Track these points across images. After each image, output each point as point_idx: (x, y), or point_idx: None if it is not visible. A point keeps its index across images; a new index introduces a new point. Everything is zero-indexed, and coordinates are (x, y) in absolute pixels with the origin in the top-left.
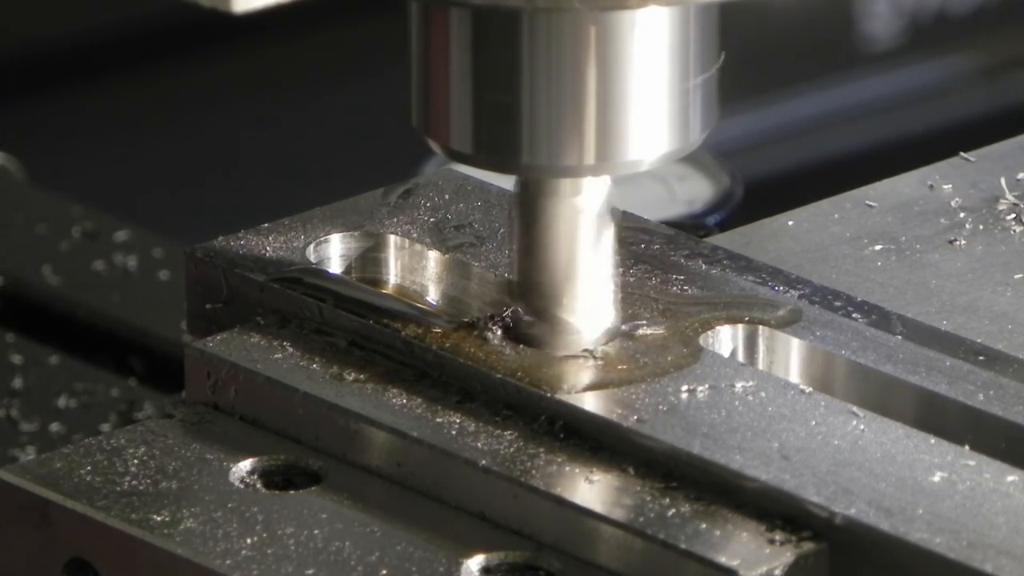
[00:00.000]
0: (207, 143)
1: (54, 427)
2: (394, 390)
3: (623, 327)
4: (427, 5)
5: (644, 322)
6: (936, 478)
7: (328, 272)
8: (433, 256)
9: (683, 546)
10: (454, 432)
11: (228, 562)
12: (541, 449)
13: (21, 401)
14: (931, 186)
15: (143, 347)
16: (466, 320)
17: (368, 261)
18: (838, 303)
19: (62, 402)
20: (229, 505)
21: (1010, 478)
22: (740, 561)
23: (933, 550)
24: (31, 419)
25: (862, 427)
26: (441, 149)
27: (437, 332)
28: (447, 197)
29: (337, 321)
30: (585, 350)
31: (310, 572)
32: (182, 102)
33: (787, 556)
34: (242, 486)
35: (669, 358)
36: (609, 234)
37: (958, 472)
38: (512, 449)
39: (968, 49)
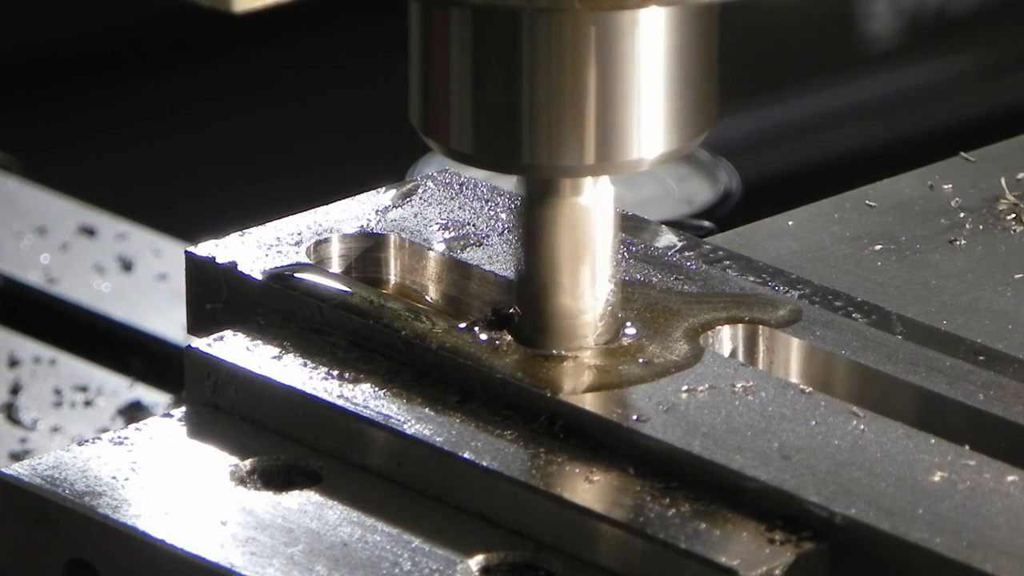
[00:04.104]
0: (208, 142)
1: (54, 427)
2: (394, 390)
3: (623, 327)
4: (427, 5)
5: (644, 322)
6: (936, 478)
7: (327, 271)
8: (433, 256)
9: (683, 546)
10: (454, 432)
11: (228, 562)
12: (541, 449)
13: (21, 400)
14: (931, 186)
15: (143, 347)
16: (466, 320)
17: (368, 261)
18: (838, 303)
19: (62, 401)
20: (229, 505)
21: (1010, 478)
22: (740, 561)
23: (933, 550)
24: (31, 419)
25: (862, 427)
26: (441, 149)
27: (437, 332)
28: (447, 197)
29: (337, 321)
30: (585, 350)
31: (311, 572)
32: (183, 100)
33: (787, 556)
34: (242, 486)
35: (669, 358)
36: (609, 234)
37: (958, 472)
38: (512, 449)
39: (968, 49)
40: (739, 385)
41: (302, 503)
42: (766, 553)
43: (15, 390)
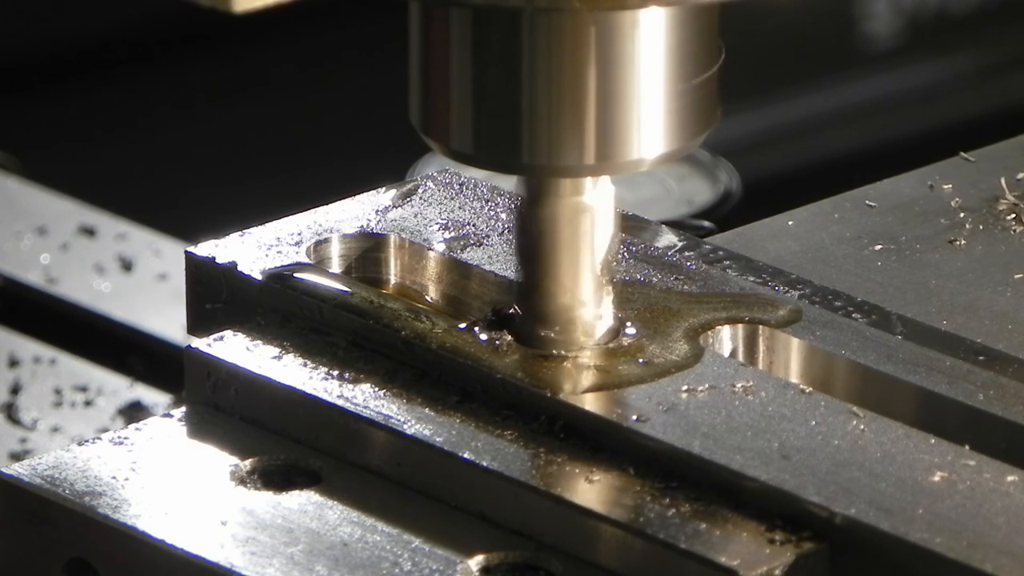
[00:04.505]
0: (208, 142)
1: (54, 427)
2: (394, 390)
3: (623, 327)
4: (427, 5)
5: (644, 322)
6: (936, 478)
7: (327, 271)
8: (433, 256)
9: (683, 546)
10: (454, 432)
11: (228, 562)
12: (541, 449)
13: (21, 400)
14: (931, 186)
15: (143, 347)
16: (466, 320)
17: (368, 261)
18: (838, 303)
19: (62, 401)
20: (229, 505)
21: (1010, 478)
22: (740, 561)
23: (933, 550)
24: (31, 419)
25: (862, 427)
26: (441, 149)
27: (437, 332)
28: (447, 197)
29: (337, 321)
30: (585, 350)
31: (311, 572)
32: (183, 100)
33: (787, 556)
34: (242, 486)
35: (669, 358)
36: (609, 234)
37: (958, 472)
38: (512, 449)
39: (968, 49)
40: (739, 385)
41: (302, 503)
42: (766, 553)
43: (15, 390)
